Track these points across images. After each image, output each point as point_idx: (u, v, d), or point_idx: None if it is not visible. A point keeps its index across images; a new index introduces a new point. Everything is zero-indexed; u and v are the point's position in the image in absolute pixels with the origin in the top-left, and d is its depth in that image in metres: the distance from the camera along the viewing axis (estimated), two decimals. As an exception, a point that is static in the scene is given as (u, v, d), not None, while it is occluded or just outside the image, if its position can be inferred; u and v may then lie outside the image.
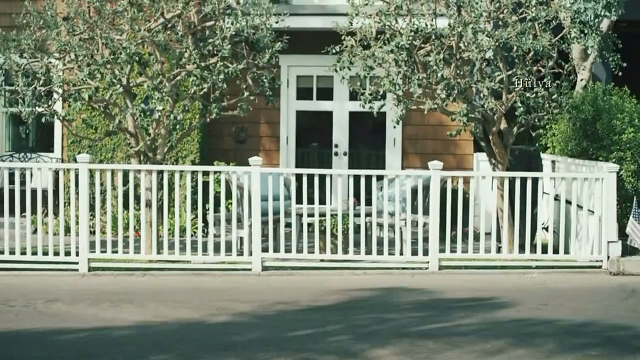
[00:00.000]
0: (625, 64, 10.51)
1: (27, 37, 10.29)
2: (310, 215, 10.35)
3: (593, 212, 10.37)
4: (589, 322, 7.54)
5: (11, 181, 10.15)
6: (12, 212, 10.10)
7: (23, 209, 10.24)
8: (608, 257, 10.18)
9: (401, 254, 10.32)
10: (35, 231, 11.04)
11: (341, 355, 6.33)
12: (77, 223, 10.01)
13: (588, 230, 10.44)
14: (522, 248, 10.46)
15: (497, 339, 6.80)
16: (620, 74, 10.66)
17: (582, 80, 12.92)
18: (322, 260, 10.22)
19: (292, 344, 6.63)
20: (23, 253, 10.13)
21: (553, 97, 10.64)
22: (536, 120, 10.93)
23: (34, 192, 10.20)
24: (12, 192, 10.05)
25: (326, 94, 14.06)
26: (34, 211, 10.40)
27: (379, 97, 10.76)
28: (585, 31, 10.57)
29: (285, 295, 8.67)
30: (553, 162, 12.24)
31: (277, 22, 10.62)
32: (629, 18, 12.84)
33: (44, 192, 10.25)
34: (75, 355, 6.29)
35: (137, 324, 7.36)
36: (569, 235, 10.70)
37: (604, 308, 8.19)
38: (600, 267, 10.22)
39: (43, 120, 10.51)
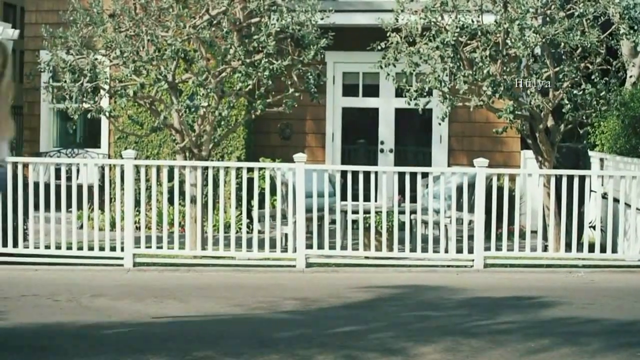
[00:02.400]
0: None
1: (74, 34, 10.40)
2: (355, 212, 10.32)
3: (642, 210, 10.20)
4: (635, 321, 7.42)
5: (57, 177, 10.27)
6: (58, 208, 10.21)
7: (69, 205, 10.37)
8: (657, 256, 10.02)
9: (446, 251, 10.24)
10: (81, 227, 11.16)
11: (383, 353, 6.28)
12: (122, 218, 10.09)
13: (636, 229, 10.27)
14: (568, 247, 10.32)
15: (542, 338, 6.70)
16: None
17: (631, 77, 12.73)
18: (366, 258, 10.18)
19: (334, 341, 6.60)
20: (69, 248, 10.23)
21: (601, 94, 10.48)
22: (584, 117, 10.78)
23: (80, 187, 10.31)
24: (58, 188, 10.16)
25: (372, 90, 14.02)
26: (80, 207, 10.51)
27: (425, 93, 10.70)
28: (635, 27, 10.39)
29: (328, 292, 8.64)
30: (601, 159, 12.07)
31: (322, 19, 10.60)
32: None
33: (90, 187, 10.35)
34: (117, 349, 6.33)
35: (180, 319, 7.40)
36: (617, 234, 10.53)
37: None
38: (648, 266, 10.06)
39: (89, 116, 10.63)
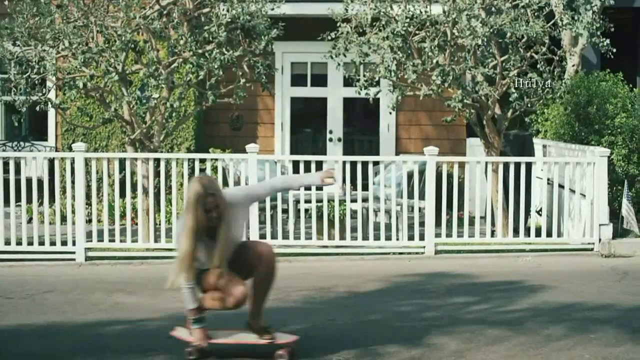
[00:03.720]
0: (614, 49, 10.61)
1: (20, 24, 10.23)
2: (307, 201, 10.40)
3: (585, 195, 10.48)
4: (580, 302, 7.67)
5: (5, 170, 10.12)
6: (7, 202, 10.07)
7: (18, 199, 10.24)
8: (600, 239, 10.30)
9: (397, 239, 10.39)
10: (30, 220, 11.04)
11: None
12: (73, 212, 10.01)
13: (580, 214, 10.56)
14: (516, 232, 10.56)
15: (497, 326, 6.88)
16: (611, 57, 10.76)
17: (573, 65, 13.02)
18: (324, 247, 10.26)
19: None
20: (19, 243, 10.12)
21: (546, 83, 10.73)
22: (529, 105, 11.03)
23: (28, 181, 10.18)
24: (6, 182, 10.02)
25: (320, 80, 14.10)
26: (29, 200, 10.38)
27: (374, 83, 10.82)
28: (576, 17, 10.65)
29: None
30: (544, 146, 12.34)
31: (272, 9, 10.63)
32: (617, 6, 12.96)
33: (39, 181, 10.23)
34: (72, 350, 6.28)
35: (134, 317, 7.37)
36: (562, 219, 10.81)
37: (599, 290, 8.29)
38: (592, 249, 10.34)
39: (38, 108, 10.49)
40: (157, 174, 10.49)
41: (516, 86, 10.57)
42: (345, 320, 7.01)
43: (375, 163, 10.87)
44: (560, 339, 6.41)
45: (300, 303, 7.75)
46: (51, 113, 13.30)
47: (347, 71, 11.05)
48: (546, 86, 10.75)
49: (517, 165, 10.44)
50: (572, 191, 10.64)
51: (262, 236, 10.21)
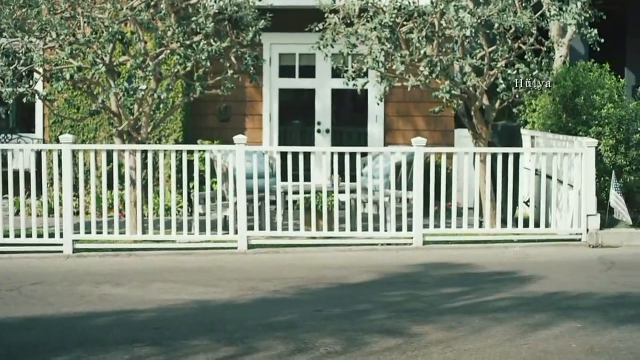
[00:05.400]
0: (602, 40, 10.62)
1: (7, 16, 10.17)
2: (295, 192, 10.40)
3: (572, 186, 10.51)
4: (567, 292, 7.71)
5: (-7, 162, 10.11)
6: (-6, 194, 10.05)
7: (5, 191, 10.21)
8: (587, 230, 10.34)
9: (385, 230, 10.40)
10: (17, 213, 11.01)
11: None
12: (60, 204, 9.99)
13: (568, 204, 10.59)
14: (504, 222, 10.59)
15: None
16: (598, 49, 10.77)
17: (560, 56, 13.04)
18: (308, 238, 10.27)
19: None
20: (6, 235, 10.09)
21: (534, 74, 10.74)
22: (517, 96, 11.05)
23: (16, 173, 10.15)
24: (-6, 174, 10.00)
25: (308, 71, 14.07)
26: (16, 193, 10.35)
27: (362, 74, 10.82)
28: (564, 8, 10.65)
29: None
30: (532, 137, 12.36)
31: (260, 0, 10.60)
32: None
33: (26, 173, 10.20)
34: (61, 346, 6.26)
35: (124, 307, 7.37)
36: (549, 210, 10.84)
37: (586, 280, 8.33)
38: (579, 239, 10.37)
39: (24, 100, 10.44)
40: (144, 166, 10.47)
41: (504, 77, 10.57)
42: (332, 311, 7.02)
43: (364, 154, 10.87)
44: (547, 328, 6.44)
45: (288, 294, 7.76)
46: (38, 105, 13.25)
47: (335, 62, 11.05)
48: (534, 77, 10.76)
49: (505, 155, 10.45)
50: (560, 182, 10.67)
51: (251, 227, 10.21)
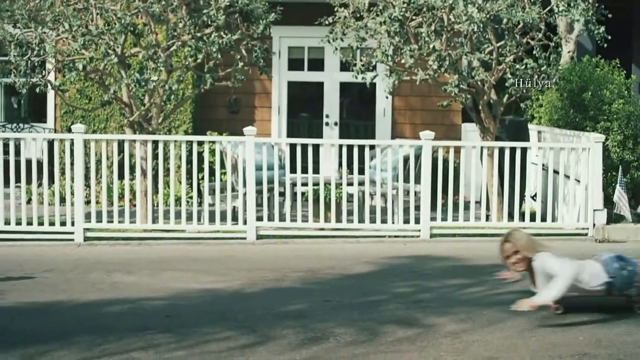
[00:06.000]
0: (609, 37, 10.68)
1: (21, 7, 10.29)
2: (304, 184, 10.49)
3: (579, 181, 10.58)
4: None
5: (5, 152, 10.19)
6: (7, 183, 10.15)
7: (17, 180, 10.32)
8: (594, 224, 10.41)
9: (393, 222, 10.49)
10: (29, 201, 11.12)
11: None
12: (72, 193, 10.09)
13: (575, 199, 10.66)
14: (510, 216, 10.66)
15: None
16: (605, 45, 10.83)
17: (568, 52, 13.10)
18: (317, 229, 10.36)
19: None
20: (18, 223, 10.21)
21: (542, 69, 10.80)
22: (524, 91, 11.11)
23: (28, 162, 10.25)
24: (6, 163, 10.10)
25: (317, 64, 14.17)
26: (28, 181, 10.46)
27: (371, 68, 10.90)
28: (571, 4, 10.71)
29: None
30: (539, 132, 12.43)
31: (270, -6, 10.69)
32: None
33: (39, 162, 10.31)
34: (73, 332, 6.38)
35: (135, 295, 7.47)
36: (556, 204, 10.92)
37: (592, 274, 8.38)
38: (586, 234, 10.45)
39: (37, 90, 10.54)
40: (155, 156, 10.56)
41: (512, 72, 10.64)
42: (341, 301, 7.11)
43: (372, 147, 10.96)
44: (555, 321, 6.51)
45: (297, 284, 7.85)
46: (50, 95, 13.36)
47: (344, 56, 11.13)
48: (542, 72, 10.82)
49: (512, 150, 10.53)
50: (567, 177, 10.74)
51: (259, 218, 10.31)
